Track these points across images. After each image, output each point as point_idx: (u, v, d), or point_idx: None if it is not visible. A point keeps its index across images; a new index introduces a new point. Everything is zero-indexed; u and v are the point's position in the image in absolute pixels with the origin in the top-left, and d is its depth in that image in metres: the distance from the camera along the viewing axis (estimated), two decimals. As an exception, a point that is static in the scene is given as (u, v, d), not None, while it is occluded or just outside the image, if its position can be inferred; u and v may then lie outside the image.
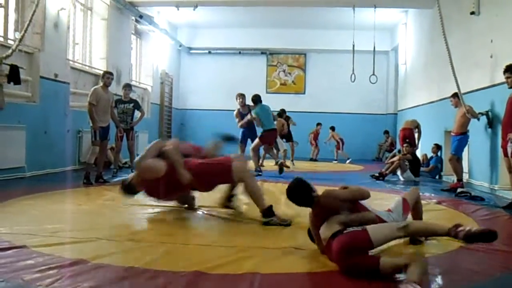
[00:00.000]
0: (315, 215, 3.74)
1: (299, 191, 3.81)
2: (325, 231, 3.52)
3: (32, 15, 8.11)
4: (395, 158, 10.75)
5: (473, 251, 3.93)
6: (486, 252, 3.93)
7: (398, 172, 10.32)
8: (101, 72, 9.48)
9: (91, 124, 8.25)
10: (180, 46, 18.81)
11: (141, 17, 13.88)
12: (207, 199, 5.81)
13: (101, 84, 8.64)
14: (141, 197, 5.63)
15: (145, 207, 5.72)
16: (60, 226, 4.53)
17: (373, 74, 14.00)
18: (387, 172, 10.37)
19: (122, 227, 4.69)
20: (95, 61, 12.19)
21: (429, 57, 12.99)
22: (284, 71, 19.76)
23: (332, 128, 17.40)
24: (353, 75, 14.06)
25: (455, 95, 9.09)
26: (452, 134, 9.05)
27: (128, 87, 10.19)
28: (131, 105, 10.01)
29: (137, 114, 10.26)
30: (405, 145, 10.72)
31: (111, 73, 8.77)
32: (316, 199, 3.75)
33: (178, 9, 13.64)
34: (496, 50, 8.36)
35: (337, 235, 3.37)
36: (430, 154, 11.58)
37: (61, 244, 3.88)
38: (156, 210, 5.61)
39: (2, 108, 8.02)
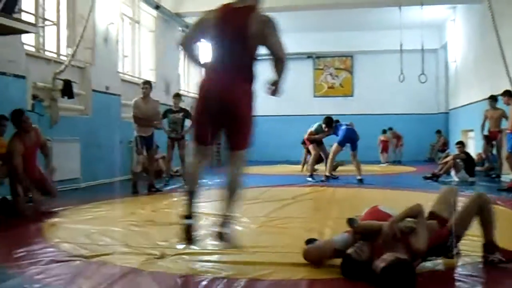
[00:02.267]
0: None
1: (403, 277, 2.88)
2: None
3: (83, 31, 8.41)
4: (448, 158, 10.50)
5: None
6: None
7: (452, 173, 10.07)
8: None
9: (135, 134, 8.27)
10: (227, 53, 18.92)
11: (187, 27, 14.10)
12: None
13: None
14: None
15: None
16: (111, 236, 4.58)
17: (422, 73, 13.68)
18: (440, 172, 10.14)
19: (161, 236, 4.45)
20: (144, 72, 12.48)
21: (479, 54, 12.62)
22: (331, 74, 19.63)
23: (384, 131, 17.17)
24: (401, 75, 13.82)
25: (505, 93, 8.84)
26: (507, 131, 8.77)
27: (177, 96, 10.25)
28: (181, 114, 10.04)
29: (188, 123, 10.33)
30: (457, 145, 10.47)
31: (146, 83, 8.73)
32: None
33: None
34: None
35: None
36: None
37: (112, 254, 3.92)
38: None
39: (57, 122, 8.32)
